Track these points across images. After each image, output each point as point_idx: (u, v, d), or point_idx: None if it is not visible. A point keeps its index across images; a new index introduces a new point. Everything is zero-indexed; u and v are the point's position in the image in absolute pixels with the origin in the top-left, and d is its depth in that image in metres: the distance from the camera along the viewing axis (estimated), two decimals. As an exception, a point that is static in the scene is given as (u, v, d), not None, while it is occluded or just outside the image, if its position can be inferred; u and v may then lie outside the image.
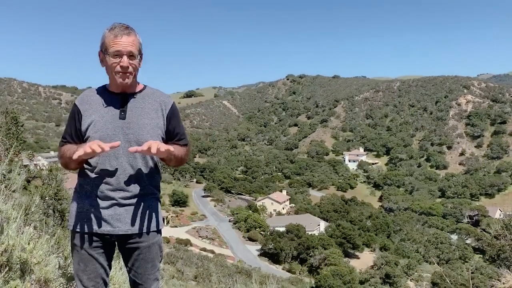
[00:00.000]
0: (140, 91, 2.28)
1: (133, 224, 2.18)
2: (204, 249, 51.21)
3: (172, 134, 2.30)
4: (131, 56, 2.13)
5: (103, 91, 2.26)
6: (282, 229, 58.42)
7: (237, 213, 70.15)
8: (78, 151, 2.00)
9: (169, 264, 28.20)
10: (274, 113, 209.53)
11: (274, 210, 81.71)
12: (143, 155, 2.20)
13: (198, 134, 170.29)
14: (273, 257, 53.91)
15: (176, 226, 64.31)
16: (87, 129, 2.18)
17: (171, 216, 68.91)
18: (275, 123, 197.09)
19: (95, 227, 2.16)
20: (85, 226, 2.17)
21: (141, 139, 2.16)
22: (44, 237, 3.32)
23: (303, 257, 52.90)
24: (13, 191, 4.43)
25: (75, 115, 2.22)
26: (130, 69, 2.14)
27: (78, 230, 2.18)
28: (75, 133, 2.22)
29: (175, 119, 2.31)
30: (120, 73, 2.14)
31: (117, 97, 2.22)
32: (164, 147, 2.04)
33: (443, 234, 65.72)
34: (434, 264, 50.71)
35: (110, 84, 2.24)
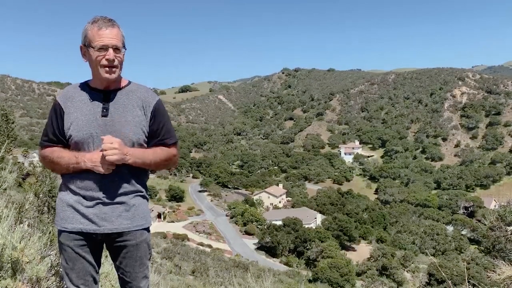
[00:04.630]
0: (124, 87, 2.21)
1: (118, 222, 2.14)
2: (201, 244, 51.26)
3: (155, 133, 2.20)
4: (116, 49, 2.07)
5: (85, 87, 2.19)
6: (279, 223, 58.56)
7: (233, 208, 70.21)
8: (86, 165, 2.05)
9: (166, 259, 28.25)
10: (270, 107, 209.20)
11: (271, 204, 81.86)
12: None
13: (193, 129, 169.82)
14: (270, 250, 54.07)
15: (173, 221, 64.31)
16: (69, 127, 2.12)
17: (168, 212, 68.90)
18: (271, 117, 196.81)
19: (80, 226, 2.12)
20: (70, 225, 2.13)
21: (125, 137, 2.11)
22: (36, 235, 3.28)
23: (300, 250, 53.10)
24: (5, 190, 4.38)
25: (58, 112, 2.15)
26: (116, 62, 2.08)
27: (63, 228, 2.15)
28: (58, 131, 2.15)
29: (160, 117, 2.21)
30: (106, 67, 2.07)
31: (100, 93, 2.16)
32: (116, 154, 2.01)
33: (439, 226, 66.10)
34: (429, 256, 51.01)
35: (93, 79, 2.17)
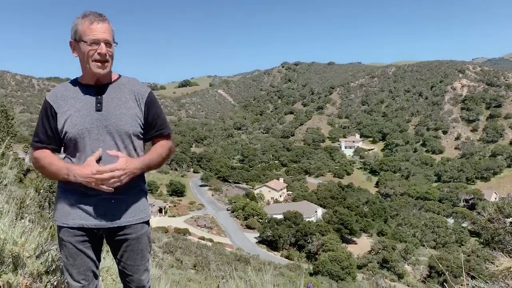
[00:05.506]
0: (115, 80, 2.21)
1: (119, 217, 2.16)
2: (203, 238, 51.44)
3: (151, 124, 2.24)
4: (107, 43, 2.07)
5: (76, 84, 2.19)
6: (279, 217, 58.74)
7: (234, 202, 70.39)
8: (76, 178, 2.01)
9: (168, 253, 28.33)
10: (270, 101, 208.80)
11: (272, 198, 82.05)
12: (126, 146, 2.16)
13: (194, 124, 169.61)
14: (271, 244, 54.28)
15: (174, 216, 64.50)
16: (63, 125, 2.11)
17: (169, 206, 69.06)
18: (271, 111, 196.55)
19: (81, 221, 2.12)
20: (71, 221, 2.13)
21: (121, 129, 2.12)
22: (37, 230, 3.30)
23: (301, 243, 53.30)
24: (5, 185, 4.40)
25: (48, 112, 2.13)
26: (107, 57, 2.08)
27: (64, 224, 2.15)
28: (51, 131, 2.13)
29: (154, 108, 2.24)
30: (99, 62, 2.07)
31: (92, 89, 2.15)
32: (129, 169, 2.04)
33: (439, 218, 66.30)
34: (427, 249, 51.25)
35: (83, 75, 2.17)
